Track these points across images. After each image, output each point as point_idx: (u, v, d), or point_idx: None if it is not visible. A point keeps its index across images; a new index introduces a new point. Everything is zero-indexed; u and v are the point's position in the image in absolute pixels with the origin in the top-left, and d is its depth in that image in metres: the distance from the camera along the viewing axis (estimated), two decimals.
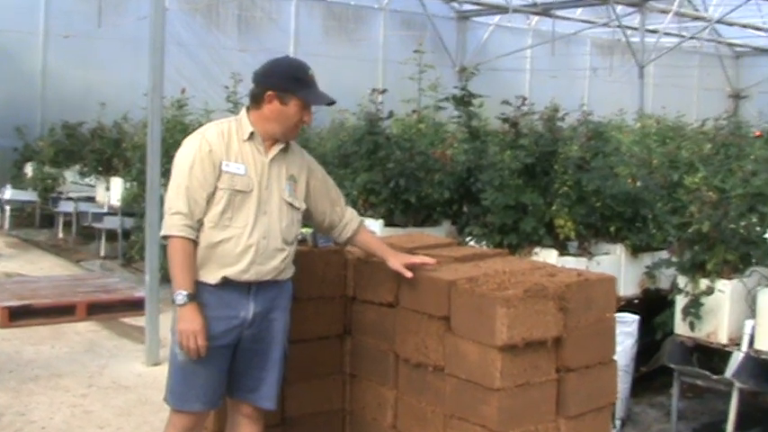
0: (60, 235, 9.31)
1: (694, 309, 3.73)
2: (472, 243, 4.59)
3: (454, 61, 15.06)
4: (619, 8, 13.63)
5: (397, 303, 2.72)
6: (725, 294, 3.69)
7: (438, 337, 2.55)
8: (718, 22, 15.20)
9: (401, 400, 2.72)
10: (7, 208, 9.82)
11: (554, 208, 4.43)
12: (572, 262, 4.14)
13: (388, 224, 5.13)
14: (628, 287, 4.54)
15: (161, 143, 4.63)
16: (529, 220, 4.37)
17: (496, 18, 15.74)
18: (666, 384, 4.14)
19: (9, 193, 9.75)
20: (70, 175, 9.63)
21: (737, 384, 3.60)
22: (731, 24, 15.69)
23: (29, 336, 5.02)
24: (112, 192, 8.47)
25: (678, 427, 3.94)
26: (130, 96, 8.49)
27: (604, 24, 15.22)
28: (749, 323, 3.59)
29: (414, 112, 6.71)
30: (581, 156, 4.72)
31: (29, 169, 10.04)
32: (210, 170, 2.46)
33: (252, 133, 2.53)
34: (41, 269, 7.15)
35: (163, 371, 2.82)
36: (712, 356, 3.82)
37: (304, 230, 2.80)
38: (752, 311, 3.63)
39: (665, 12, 14.55)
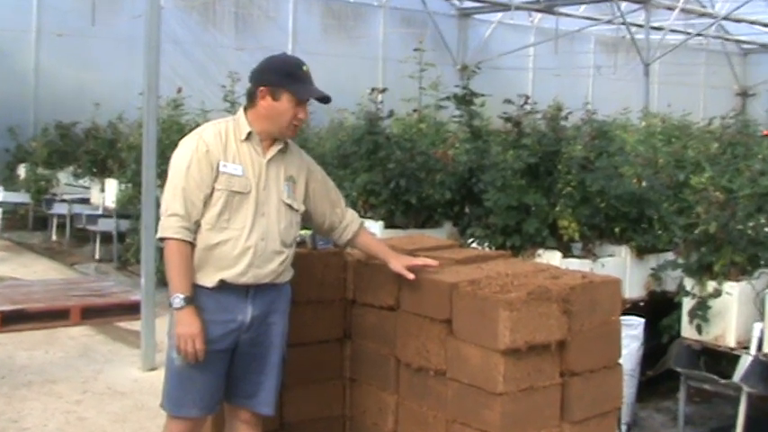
0: (54, 238, 9.31)
1: (701, 311, 3.73)
2: (474, 245, 4.59)
3: (455, 59, 15.07)
4: (623, 5, 13.64)
5: (397, 306, 2.73)
6: (732, 297, 3.69)
7: (440, 341, 2.55)
8: (725, 18, 15.20)
9: (402, 405, 2.72)
10: None
11: (557, 209, 4.43)
12: (576, 264, 4.13)
13: (389, 226, 5.13)
14: (633, 289, 4.54)
15: (157, 144, 4.63)
16: (532, 221, 4.37)
17: (498, 15, 15.74)
18: (673, 389, 4.14)
19: (1, 194, 9.73)
20: (64, 176, 9.62)
21: (746, 389, 3.60)
22: (738, 21, 15.68)
23: (22, 340, 5.02)
24: (107, 193, 8.47)
25: None
26: (125, 96, 8.50)
27: (609, 21, 15.22)
28: (758, 326, 3.60)
29: (414, 111, 6.71)
30: (585, 155, 4.72)
31: (21, 170, 10.03)
32: (207, 171, 2.47)
33: (249, 133, 2.54)
34: (35, 272, 7.15)
35: (159, 376, 2.82)
36: (720, 360, 3.82)
37: (303, 232, 2.80)
38: (760, 314, 3.63)
39: (670, 8, 14.55)
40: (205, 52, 12.33)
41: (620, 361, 2.68)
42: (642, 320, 4.00)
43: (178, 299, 2.42)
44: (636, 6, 14.09)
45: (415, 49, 6.46)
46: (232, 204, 2.48)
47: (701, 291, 3.76)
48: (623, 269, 4.48)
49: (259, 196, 2.51)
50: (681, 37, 15.30)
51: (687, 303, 3.82)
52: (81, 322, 5.43)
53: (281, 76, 2.50)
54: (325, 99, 2.55)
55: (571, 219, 4.39)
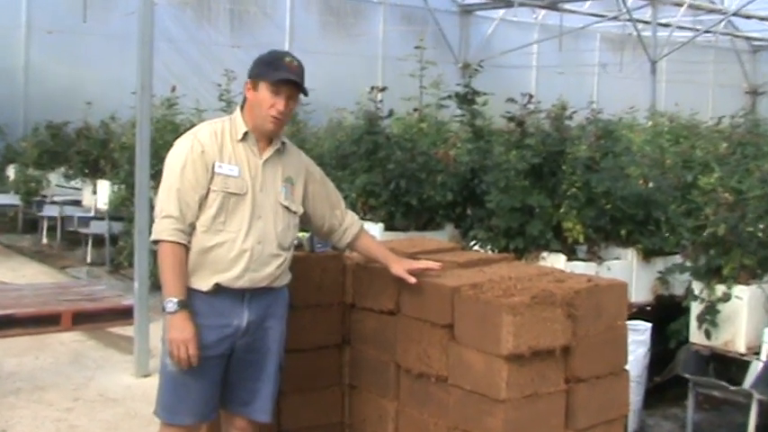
0: (44, 240, 9.31)
1: (710, 316, 3.73)
2: (476, 247, 4.60)
3: (457, 57, 15.09)
4: (629, 1, 13.66)
5: (397, 311, 2.73)
6: (742, 301, 3.69)
7: (441, 347, 2.55)
8: (735, 14, 15.22)
9: (403, 412, 2.72)
10: None
11: (562, 210, 4.44)
12: (581, 267, 4.14)
13: (389, 228, 5.13)
14: (640, 293, 4.54)
15: (150, 144, 4.64)
16: (536, 223, 4.38)
17: (501, 12, 15.78)
18: (681, 396, 4.14)
19: None
20: (55, 177, 9.63)
21: (756, 396, 3.60)
22: (748, 17, 15.70)
23: (10, 347, 5.01)
24: (99, 195, 8.47)
25: None
26: (118, 95, 8.49)
27: (614, 18, 15.25)
28: None
29: (415, 110, 6.72)
30: (590, 156, 4.73)
31: (11, 171, 10.04)
32: (203, 172, 2.47)
33: (246, 133, 2.54)
34: (24, 276, 7.15)
35: (152, 383, 2.83)
36: (729, 366, 3.82)
37: (300, 235, 2.80)
38: None
39: (678, 4, 14.59)
40: (200, 50, 12.36)
41: (627, 367, 2.69)
42: (649, 325, 4.00)
43: (171, 303, 2.42)
44: (642, 2, 14.13)
45: (416, 47, 6.47)
46: (228, 206, 2.48)
47: (709, 295, 3.76)
48: (629, 272, 4.49)
49: (255, 198, 2.52)
50: (689, 34, 15.32)
51: (695, 308, 3.82)
52: (72, 328, 5.40)
53: (262, 66, 2.52)
54: (296, 83, 2.47)
55: (576, 221, 4.39)
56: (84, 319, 5.51)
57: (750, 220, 3.86)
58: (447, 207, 5.31)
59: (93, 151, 8.96)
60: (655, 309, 4.51)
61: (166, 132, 6.76)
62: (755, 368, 3.62)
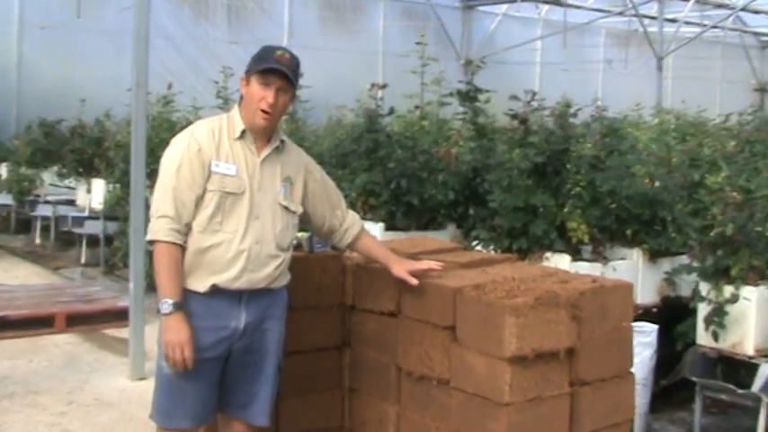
0: (38, 241, 9.31)
1: (718, 318, 3.73)
2: (479, 248, 4.60)
3: (459, 54, 15.10)
4: None
5: (398, 312, 2.73)
6: (751, 302, 3.69)
7: (443, 349, 2.56)
8: (743, 9, 15.24)
9: (404, 415, 2.72)
10: None
11: (566, 210, 4.44)
12: (586, 268, 4.14)
13: (389, 228, 5.14)
14: (646, 294, 4.55)
15: (146, 142, 4.63)
16: (539, 222, 4.38)
17: (504, 7, 15.78)
18: (688, 399, 4.14)
19: None
20: (48, 176, 9.64)
21: (765, 399, 3.60)
22: (757, 12, 15.72)
23: (4, 349, 5.02)
24: (94, 194, 8.48)
25: None
26: (113, 92, 8.49)
27: (620, 13, 15.26)
28: None
29: (416, 108, 6.73)
30: (595, 154, 4.73)
31: (3, 170, 10.05)
32: (199, 171, 2.47)
33: (243, 131, 2.55)
34: (17, 277, 7.15)
35: (148, 386, 2.83)
36: (738, 369, 3.82)
37: (299, 235, 2.81)
38: None
39: None
40: (197, 46, 12.37)
41: (633, 370, 2.69)
42: (655, 327, 4.00)
43: (167, 304, 2.43)
44: None
45: (417, 43, 6.48)
46: (225, 206, 2.49)
47: (717, 296, 3.77)
48: (635, 273, 4.49)
49: (253, 197, 2.52)
50: (696, 29, 15.32)
51: (703, 309, 3.82)
52: (66, 330, 5.43)
53: (254, 60, 2.53)
54: (278, 71, 2.45)
55: (580, 220, 4.39)
56: (79, 321, 5.53)
57: (759, 220, 3.87)
58: (449, 207, 5.32)
59: (87, 150, 8.97)
60: (661, 310, 4.52)
61: (162, 130, 6.77)
62: (764, 371, 3.63)
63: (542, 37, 16.01)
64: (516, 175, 4.58)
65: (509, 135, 5.15)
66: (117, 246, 7.27)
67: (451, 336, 2.53)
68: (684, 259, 4.38)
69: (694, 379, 3.88)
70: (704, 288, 3.84)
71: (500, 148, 5.36)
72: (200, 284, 2.48)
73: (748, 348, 3.71)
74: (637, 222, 4.64)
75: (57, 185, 9.50)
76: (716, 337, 3.75)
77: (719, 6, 15.73)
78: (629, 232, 4.64)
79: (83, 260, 8.23)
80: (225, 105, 6.83)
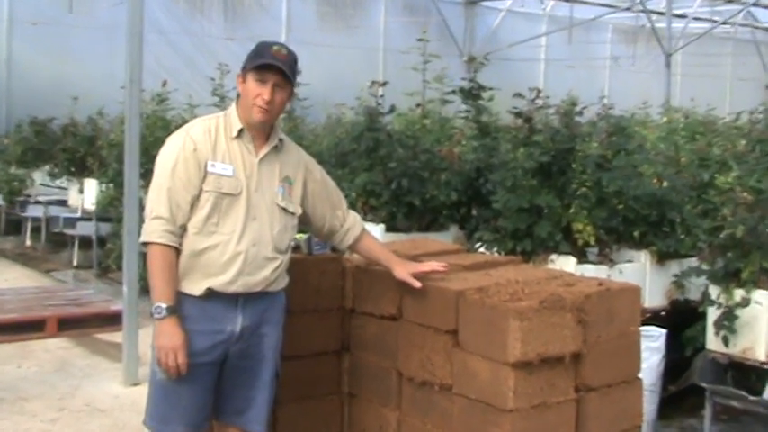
0: (28, 242, 9.32)
1: (728, 322, 3.73)
2: (482, 250, 4.60)
3: (462, 50, 15.10)
4: None
5: (399, 316, 2.73)
6: (762, 306, 3.69)
7: (445, 353, 2.56)
8: (755, 4, 15.24)
9: (404, 421, 2.72)
10: None
11: (572, 211, 4.44)
12: (592, 270, 4.15)
13: (390, 229, 5.14)
14: (654, 298, 4.55)
15: (140, 141, 4.64)
16: (544, 224, 4.38)
17: (508, 2, 15.79)
18: (698, 405, 4.14)
19: None
20: (39, 176, 9.64)
21: None
22: None
23: None
24: (86, 194, 8.49)
25: None
26: (106, 89, 8.53)
27: (627, 9, 15.26)
28: None
29: (417, 106, 6.74)
30: (601, 153, 4.74)
31: None
32: (195, 171, 2.47)
33: (241, 130, 2.55)
34: (7, 280, 7.15)
35: (142, 392, 2.83)
36: (749, 375, 3.82)
37: (297, 236, 2.81)
38: None
39: None
40: (192, 42, 12.38)
41: (640, 375, 2.69)
42: (664, 331, 4.00)
43: (160, 308, 2.43)
44: None
45: (419, 39, 6.50)
46: (221, 207, 2.49)
47: (727, 299, 3.77)
48: (643, 276, 4.50)
49: (250, 198, 2.52)
50: (705, 25, 15.32)
51: (712, 313, 3.83)
52: (57, 334, 5.43)
53: (249, 56, 2.53)
54: (274, 67, 2.46)
55: (586, 222, 4.40)
56: (71, 325, 5.53)
57: None
58: (451, 207, 5.32)
59: (79, 149, 8.98)
60: (669, 314, 4.52)
61: (157, 129, 6.78)
62: None
63: (547, 33, 16.02)
64: (520, 175, 4.58)
65: (513, 134, 5.16)
66: (110, 248, 7.28)
67: (454, 340, 2.54)
68: (693, 261, 4.38)
69: (704, 385, 3.87)
70: (714, 291, 3.84)
71: (504, 148, 5.36)
72: (195, 287, 2.48)
73: (760, 354, 3.71)
74: (644, 224, 4.64)
75: (48, 185, 9.51)
76: (726, 341, 3.75)
77: (730, 1, 15.73)
78: (636, 234, 4.65)
79: (75, 262, 8.23)
80: (221, 103, 6.84)
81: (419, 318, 2.65)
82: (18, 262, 8.26)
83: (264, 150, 2.57)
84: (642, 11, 14.05)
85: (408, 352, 2.68)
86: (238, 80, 2.56)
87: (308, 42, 11.27)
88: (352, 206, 4.71)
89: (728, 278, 3.81)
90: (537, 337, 2.37)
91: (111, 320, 5.37)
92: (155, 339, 2.46)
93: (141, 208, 2.92)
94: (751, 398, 3.72)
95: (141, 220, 2.60)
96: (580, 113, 4.94)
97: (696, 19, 15.15)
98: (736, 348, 3.75)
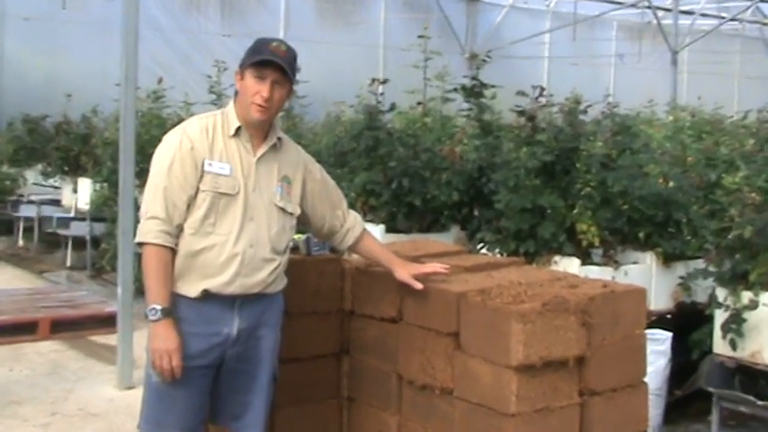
0: (21, 243, 9.32)
1: (736, 325, 3.73)
2: (484, 251, 4.61)
3: (463, 47, 15.10)
4: None
5: (400, 318, 2.74)
6: None
7: (446, 356, 2.56)
8: (763, 1, 15.22)
9: (405, 426, 2.73)
10: None
11: (576, 211, 4.45)
12: (596, 272, 4.15)
13: (390, 230, 5.15)
14: (659, 300, 4.55)
15: (135, 139, 4.64)
16: (547, 224, 4.39)
17: None
18: (704, 410, 4.14)
19: None
20: (32, 175, 9.64)
21: None
22: None
23: None
24: (80, 194, 8.49)
25: None
26: (100, 87, 8.53)
27: (633, 5, 15.26)
28: None
29: (418, 104, 6.74)
30: (606, 153, 4.74)
31: None
32: (192, 170, 2.48)
33: (238, 128, 2.55)
34: None
35: (136, 395, 2.83)
36: (757, 379, 3.82)
37: (296, 237, 2.81)
38: None
39: None
40: (188, 39, 12.38)
41: (646, 379, 2.69)
42: (669, 334, 4.01)
43: (154, 310, 2.43)
44: None
45: (420, 36, 6.49)
46: (218, 207, 2.49)
47: (735, 302, 3.77)
48: (648, 278, 4.50)
49: (248, 198, 2.52)
50: (713, 22, 15.32)
51: (720, 316, 3.83)
52: (50, 336, 5.43)
53: (248, 53, 2.53)
54: (282, 69, 2.46)
55: (591, 222, 4.40)
56: (64, 327, 5.53)
57: None
58: (452, 207, 5.33)
59: (73, 147, 8.98)
60: (675, 317, 4.52)
61: (152, 127, 6.79)
62: None
63: (551, 30, 16.00)
64: (523, 174, 4.59)
65: (516, 133, 5.16)
66: (104, 248, 7.29)
67: (455, 343, 2.54)
68: (700, 263, 4.38)
69: (711, 389, 3.88)
70: (721, 294, 3.84)
71: (506, 147, 5.37)
72: (191, 289, 2.48)
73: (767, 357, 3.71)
74: (650, 224, 4.64)
75: (41, 185, 9.51)
76: (734, 345, 3.75)
77: None
78: (641, 235, 4.65)
79: (68, 263, 8.23)
80: (218, 101, 6.85)
81: (420, 320, 2.66)
82: (10, 263, 8.27)
83: (263, 149, 2.57)
84: (648, 7, 14.04)
85: (409, 355, 2.68)
86: (236, 77, 2.56)
87: (306, 39, 11.25)
88: (351, 206, 4.72)
89: (736, 280, 3.81)
90: (540, 340, 2.37)
91: (106, 322, 5.37)
92: (150, 342, 2.46)
93: (136, 208, 2.92)
94: (759, 403, 3.72)
95: (136, 220, 2.60)
96: (584, 112, 4.94)
97: (703, 15, 15.15)
98: (744, 352, 3.75)
